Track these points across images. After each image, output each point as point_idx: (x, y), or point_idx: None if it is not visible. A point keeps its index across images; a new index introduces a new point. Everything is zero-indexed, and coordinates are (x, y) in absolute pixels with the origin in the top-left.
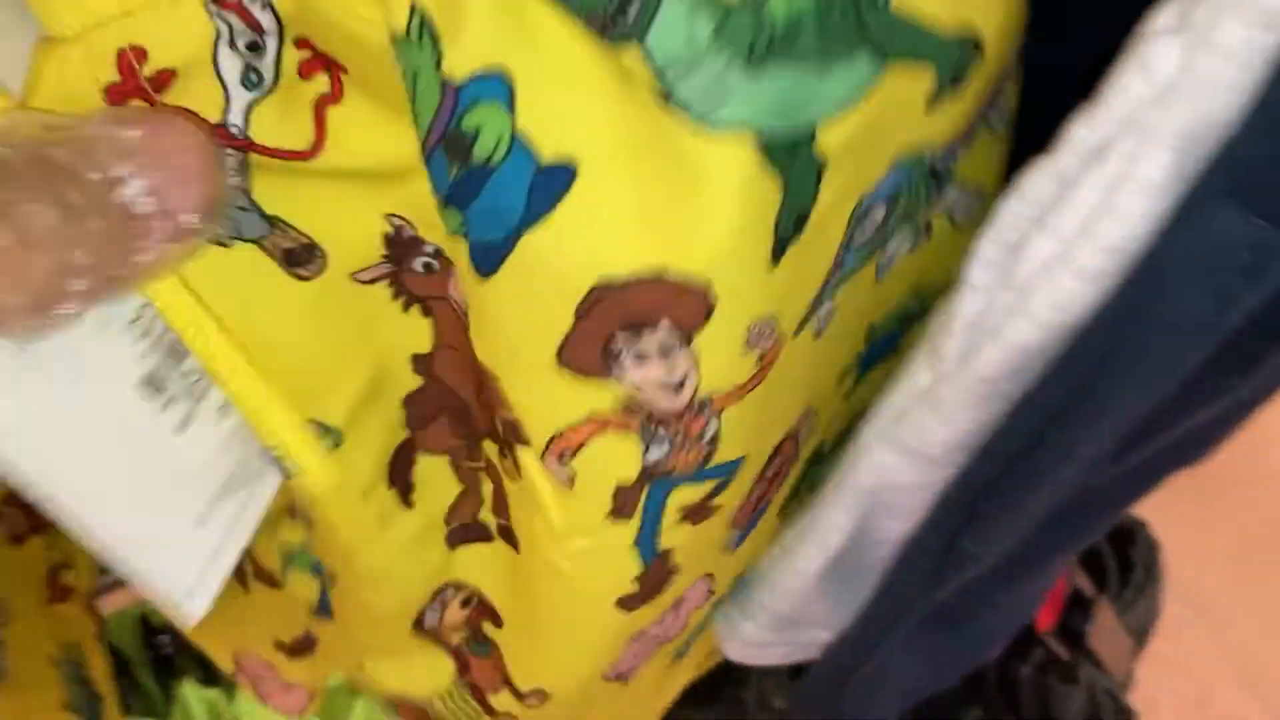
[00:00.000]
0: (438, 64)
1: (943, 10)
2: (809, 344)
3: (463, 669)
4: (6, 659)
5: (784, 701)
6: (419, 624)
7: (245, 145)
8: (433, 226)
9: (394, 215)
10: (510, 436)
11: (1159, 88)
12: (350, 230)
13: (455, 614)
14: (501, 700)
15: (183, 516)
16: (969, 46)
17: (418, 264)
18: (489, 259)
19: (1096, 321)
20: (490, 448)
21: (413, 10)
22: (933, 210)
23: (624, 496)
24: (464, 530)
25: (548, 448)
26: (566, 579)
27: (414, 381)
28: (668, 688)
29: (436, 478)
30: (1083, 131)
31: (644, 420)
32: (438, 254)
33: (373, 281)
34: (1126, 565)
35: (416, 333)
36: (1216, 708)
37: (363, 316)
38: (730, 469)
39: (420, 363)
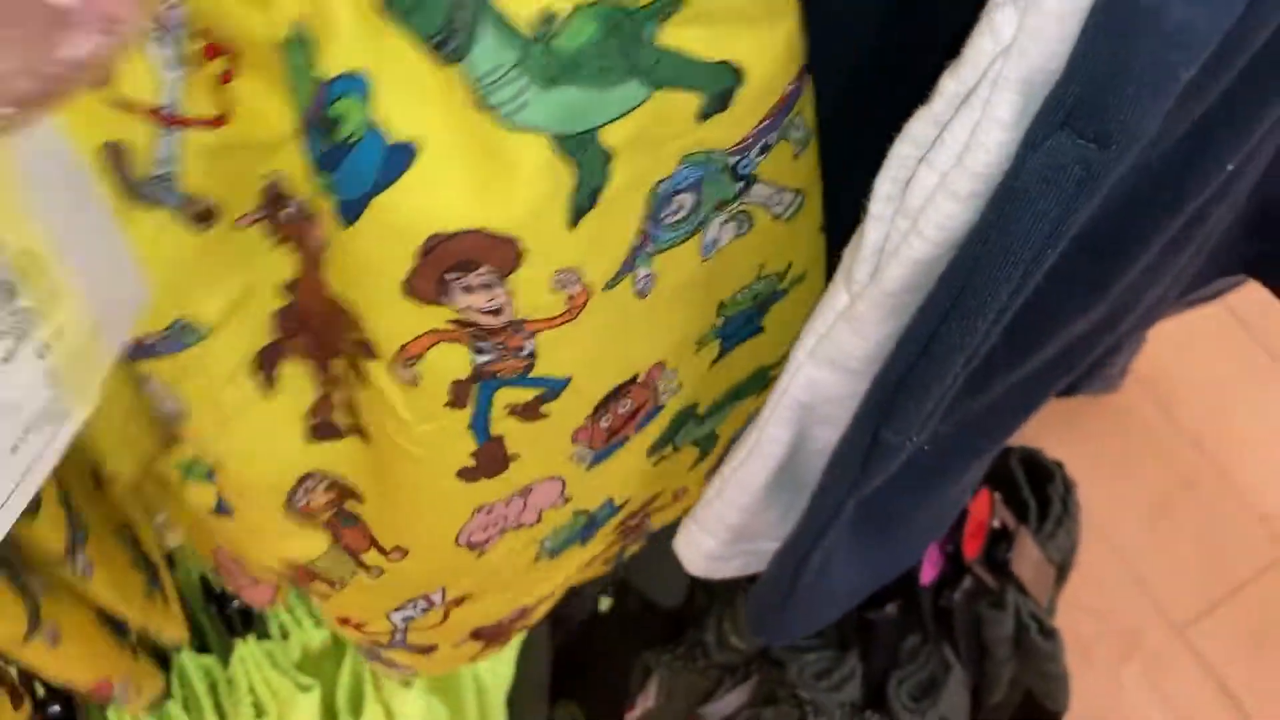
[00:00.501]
0: (311, 66)
1: (707, 48)
2: (631, 301)
3: (336, 537)
4: (84, 520)
5: (742, 641)
6: (291, 504)
7: (179, 121)
8: (298, 186)
9: (266, 176)
10: (360, 354)
11: (1004, 45)
12: (238, 190)
13: (320, 497)
14: (370, 557)
15: None
16: (730, 76)
17: (284, 214)
18: (349, 213)
19: (972, 234)
20: (338, 365)
21: (294, 25)
22: (744, 203)
23: (458, 389)
24: (322, 427)
25: (395, 357)
26: (415, 459)
27: (283, 299)
28: (541, 579)
29: (299, 378)
30: (950, 83)
31: (472, 334)
32: (300, 207)
33: (251, 224)
34: (1044, 501)
35: (285, 262)
36: (1145, 649)
37: (239, 249)
38: (555, 384)
39: (288, 287)
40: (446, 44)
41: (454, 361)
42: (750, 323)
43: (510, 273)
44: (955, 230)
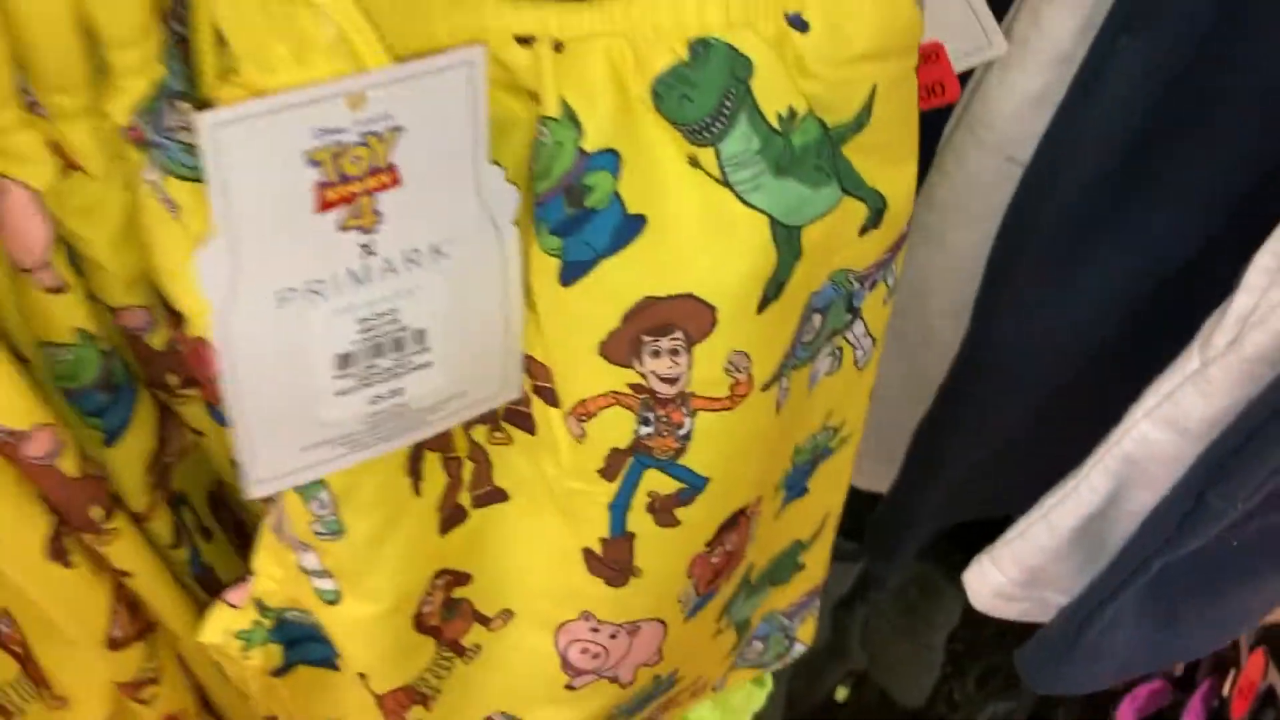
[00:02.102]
0: (578, 139)
1: (869, 173)
2: (772, 411)
3: (439, 637)
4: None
5: None
6: (418, 622)
7: None
8: None
9: None
10: (525, 406)
11: None
12: None
13: (437, 597)
14: (471, 636)
15: (300, 438)
16: (882, 200)
17: None
18: (574, 274)
19: None
20: (480, 433)
21: (563, 104)
22: (844, 336)
23: (613, 459)
24: (451, 516)
25: (572, 410)
26: (552, 516)
27: None
28: None
29: (433, 470)
30: None
31: (643, 402)
32: None
33: None
34: None
35: None
36: None
37: None
38: (697, 482)
39: None
40: (707, 130)
41: (619, 427)
42: (803, 478)
43: (698, 342)
44: None
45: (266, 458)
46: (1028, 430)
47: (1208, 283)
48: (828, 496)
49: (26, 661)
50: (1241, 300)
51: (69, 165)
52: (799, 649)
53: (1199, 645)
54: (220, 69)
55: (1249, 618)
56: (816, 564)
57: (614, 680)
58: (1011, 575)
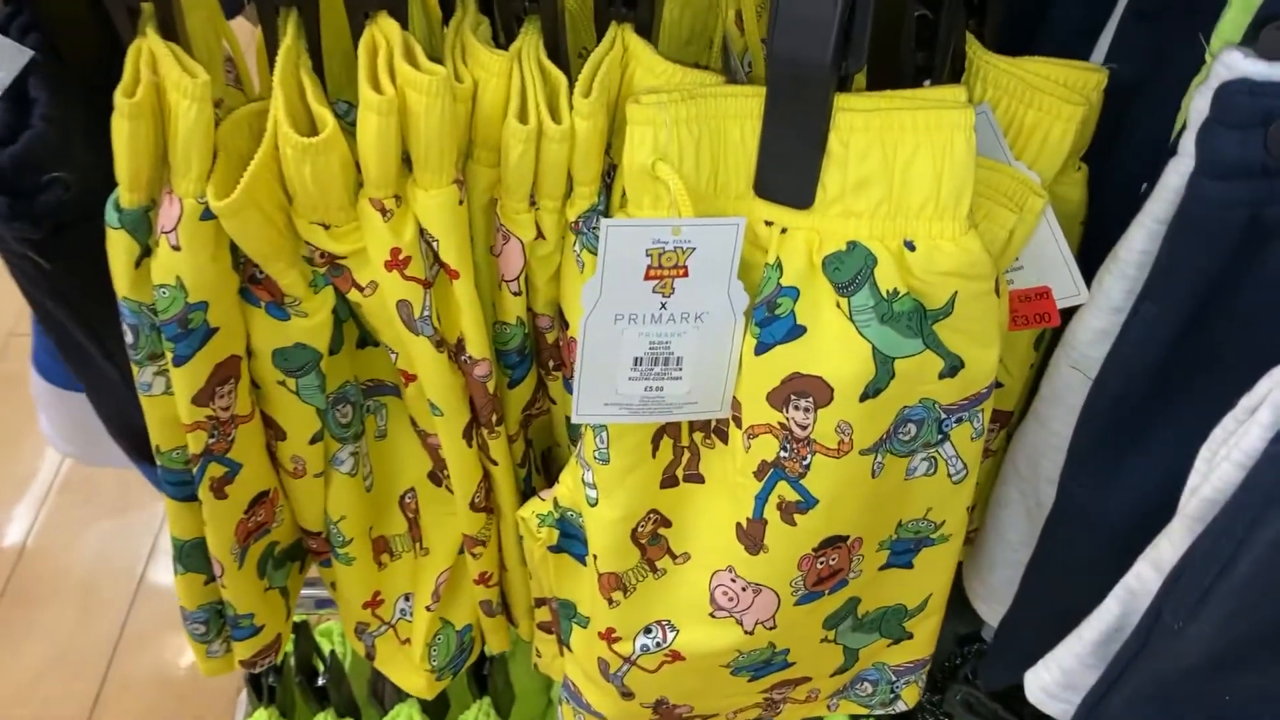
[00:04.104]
0: (780, 278)
1: (951, 344)
2: (866, 471)
3: (643, 553)
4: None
5: None
6: (634, 532)
7: None
8: None
9: None
10: (726, 426)
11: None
12: None
13: (648, 526)
14: (662, 562)
15: (604, 398)
16: (959, 361)
17: None
18: (761, 350)
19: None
20: (698, 436)
21: (778, 259)
22: (937, 450)
23: (762, 467)
24: (667, 480)
25: (746, 430)
26: (725, 503)
27: None
28: (717, 689)
29: (665, 448)
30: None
31: (785, 436)
32: None
33: None
34: None
35: None
36: None
37: None
38: (810, 499)
39: None
40: (846, 288)
41: (769, 447)
42: (907, 553)
43: (821, 407)
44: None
45: (586, 403)
46: (1092, 582)
47: None
48: (931, 579)
49: (413, 523)
50: (1192, 478)
51: (539, 235)
52: (901, 705)
53: None
54: (620, 204)
55: None
56: (924, 639)
57: (739, 623)
58: (1054, 676)
